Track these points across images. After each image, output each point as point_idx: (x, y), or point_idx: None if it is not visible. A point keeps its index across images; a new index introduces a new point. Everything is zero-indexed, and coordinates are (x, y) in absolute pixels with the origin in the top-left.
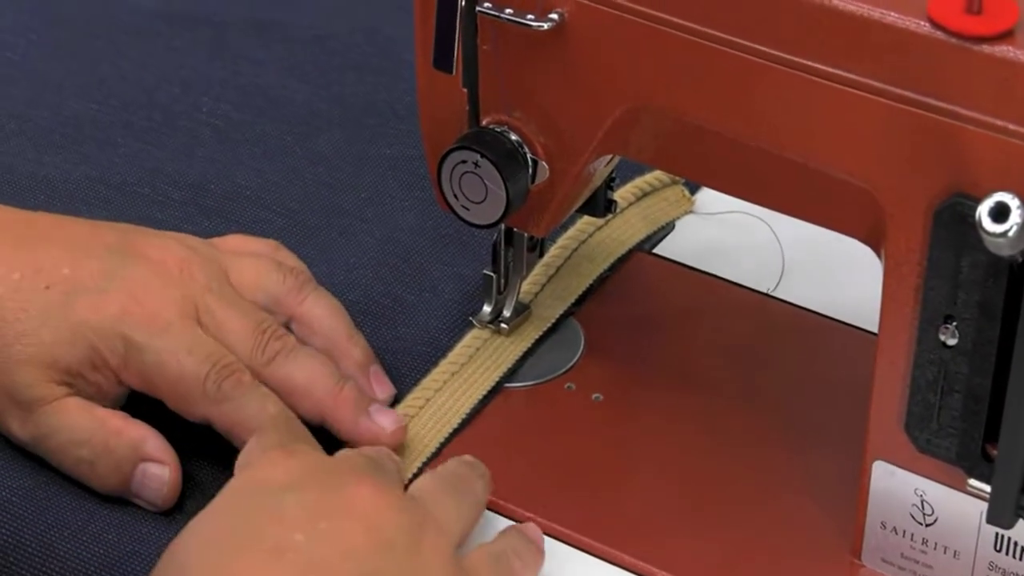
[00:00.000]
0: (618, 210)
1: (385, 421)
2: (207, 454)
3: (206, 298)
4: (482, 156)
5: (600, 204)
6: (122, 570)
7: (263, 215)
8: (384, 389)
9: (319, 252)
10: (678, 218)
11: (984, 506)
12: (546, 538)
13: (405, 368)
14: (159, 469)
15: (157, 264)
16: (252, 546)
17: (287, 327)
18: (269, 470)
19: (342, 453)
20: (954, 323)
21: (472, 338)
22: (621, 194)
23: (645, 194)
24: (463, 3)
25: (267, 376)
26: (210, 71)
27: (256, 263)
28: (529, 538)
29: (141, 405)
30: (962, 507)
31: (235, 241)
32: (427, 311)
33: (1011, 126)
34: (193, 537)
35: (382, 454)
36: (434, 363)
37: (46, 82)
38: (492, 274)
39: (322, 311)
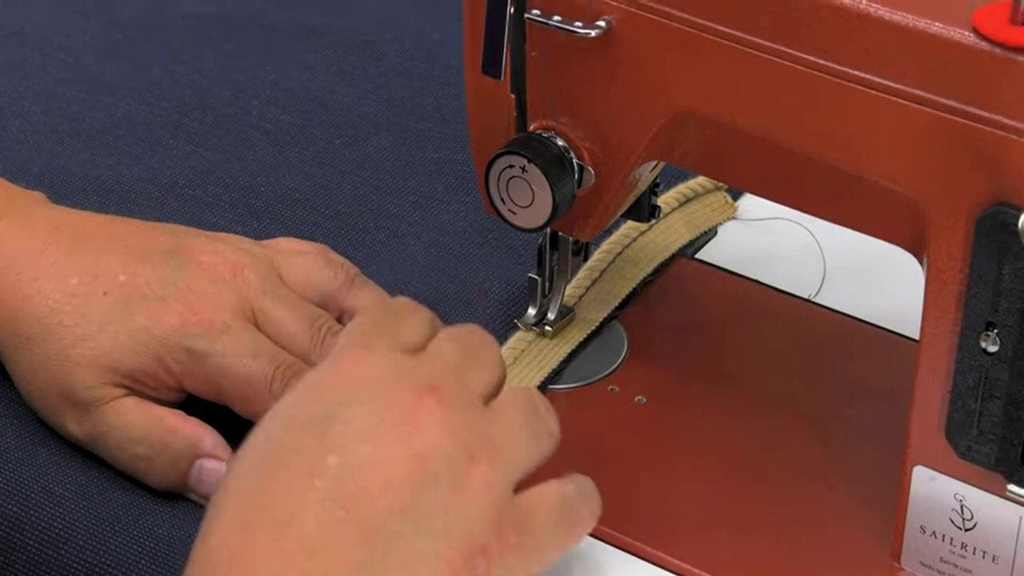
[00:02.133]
0: (661, 215)
1: None
2: None
3: (261, 300)
4: (529, 161)
5: (644, 209)
6: (173, 564)
7: (312, 217)
8: None
9: (367, 255)
10: (720, 224)
11: (1023, 512)
12: (588, 538)
13: None
14: (216, 465)
15: (210, 269)
16: (288, 468)
17: (339, 320)
18: (335, 375)
19: (437, 343)
20: (995, 330)
21: (517, 340)
22: (664, 199)
23: (688, 200)
24: (512, 10)
25: None
26: (260, 74)
27: (306, 260)
28: (595, 490)
29: (193, 407)
30: (1002, 512)
31: (285, 243)
32: (473, 313)
33: None
34: (249, 445)
35: (483, 341)
36: None
37: (99, 84)
38: (537, 277)
39: (373, 303)
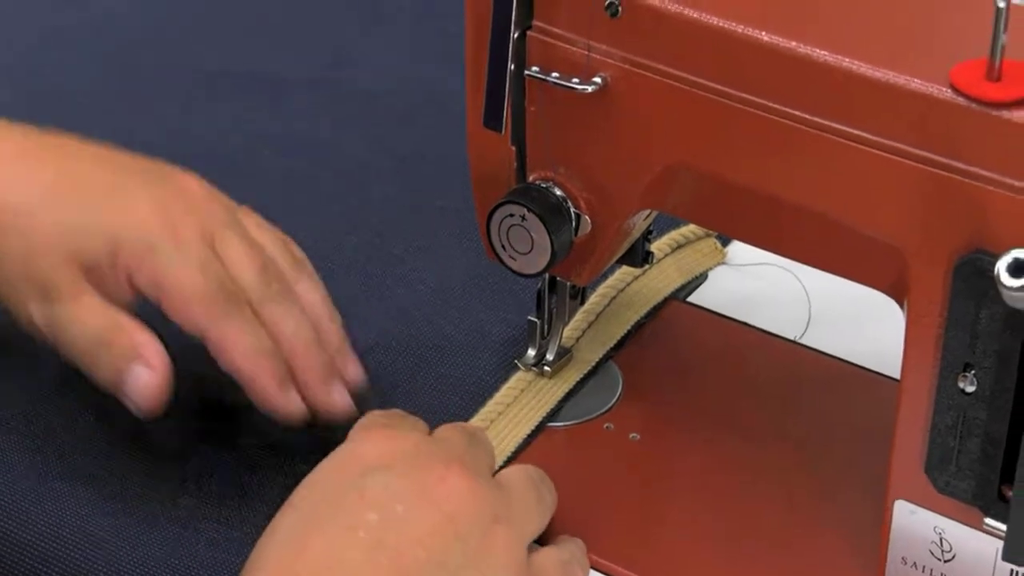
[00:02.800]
0: (655, 261)
1: (341, 401)
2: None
3: (223, 231)
4: (529, 210)
5: (638, 255)
6: None
7: (322, 263)
8: (355, 371)
9: (377, 298)
10: (711, 269)
11: (1000, 544)
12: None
13: (454, 407)
14: (149, 375)
15: (184, 190)
16: (330, 521)
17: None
18: (365, 448)
19: (442, 431)
20: (973, 371)
21: (517, 380)
22: (658, 246)
23: (680, 246)
24: (512, 67)
25: (262, 313)
26: (270, 125)
27: (270, 234)
28: (584, 552)
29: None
30: (979, 545)
31: (255, 217)
32: (475, 354)
33: None
34: (288, 507)
35: (479, 431)
36: (482, 403)
37: (116, 130)
38: (536, 320)
39: (315, 297)
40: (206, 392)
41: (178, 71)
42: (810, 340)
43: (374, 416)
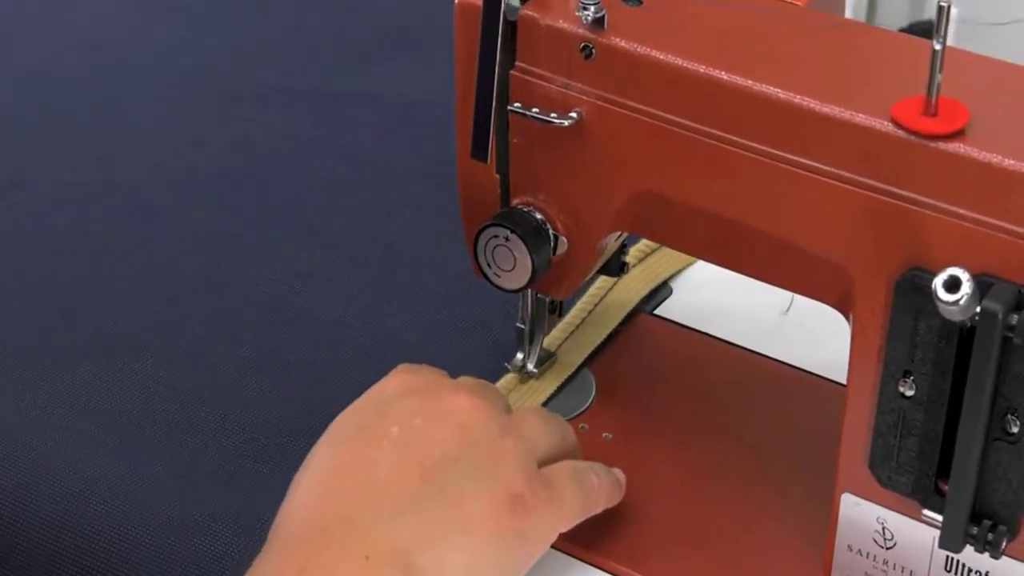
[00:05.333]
0: (628, 270)
1: None
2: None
3: None
4: (512, 232)
5: (615, 266)
6: None
7: (363, 252)
8: None
9: (410, 283)
10: (679, 272)
11: (936, 533)
12: (560, 553)
13: None
14: None
15: None
16: (358, 437)
17: None
18: (386, 384)
19: (458, 378)
20: (912, 377)
21: (505, 381)
22: (632, 253)
23: (647, 255)
24: (496, 104)
25: None
26: (319, 133)
27: None
28: (613, 471)
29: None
30: (918, 534)
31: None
32: (468, 359)
33: (962, 211)
34: (331, 428)
35: (490, 384)
36: None
37: (182, 140)
38: (523, 326)
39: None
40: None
41: (238, 84)
42: (766, 350)
43: (400, 365)
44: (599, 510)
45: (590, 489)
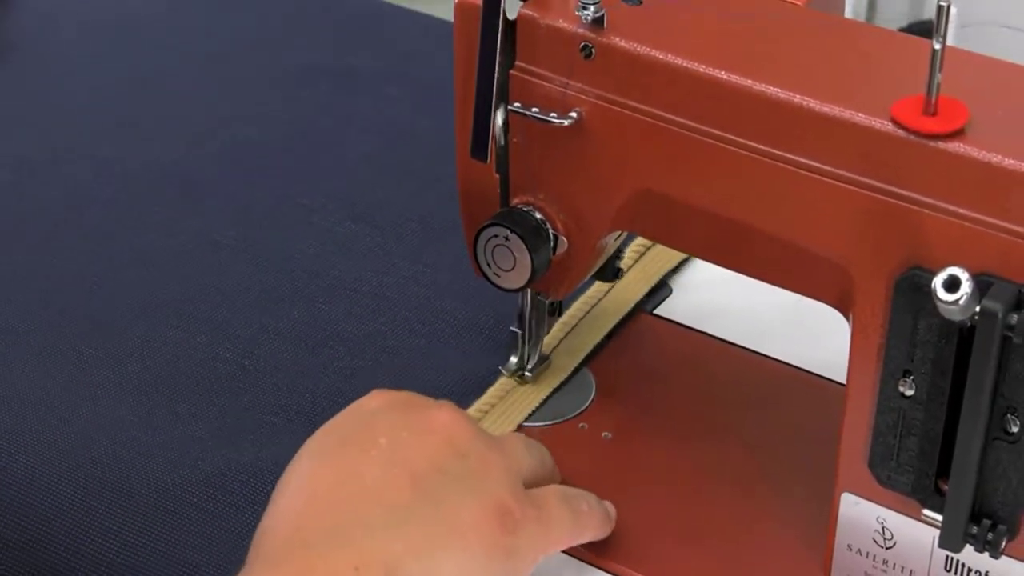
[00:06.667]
0: (622, 276)
1: None
2: None
3: None
4: (511, 231)
5: (610, 271)
6: None
7: (400, 221)
8: None
9: (441, 253)
10: (675, 269)
11: (936, 533)
12: (560, 553)
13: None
14: None
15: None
16: (342, 448)
17: None
18: (368, 400)
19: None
20: (911, 377)
21: (501, 384)
22: (627, 254)
23: (642, 254)
24: (495, 103)
25: None
26: (357, 109)
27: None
28: (604, 503)
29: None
30: (917, 533)
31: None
32: (509, 320)
33: (961, 210)
34: (310, 442)
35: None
36: (469, 405)
37: (220, 115)
38: (518, 331)
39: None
40: None
41: (279, 63)
42: (766, 349)
43: (375, 389)
44: (587, 539)
45: (579, 514)
